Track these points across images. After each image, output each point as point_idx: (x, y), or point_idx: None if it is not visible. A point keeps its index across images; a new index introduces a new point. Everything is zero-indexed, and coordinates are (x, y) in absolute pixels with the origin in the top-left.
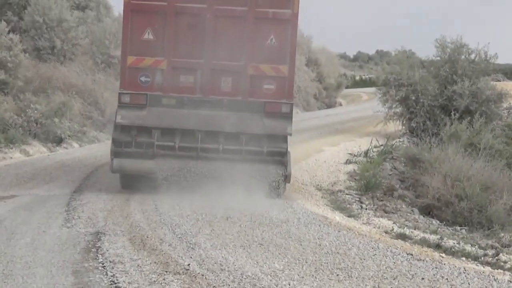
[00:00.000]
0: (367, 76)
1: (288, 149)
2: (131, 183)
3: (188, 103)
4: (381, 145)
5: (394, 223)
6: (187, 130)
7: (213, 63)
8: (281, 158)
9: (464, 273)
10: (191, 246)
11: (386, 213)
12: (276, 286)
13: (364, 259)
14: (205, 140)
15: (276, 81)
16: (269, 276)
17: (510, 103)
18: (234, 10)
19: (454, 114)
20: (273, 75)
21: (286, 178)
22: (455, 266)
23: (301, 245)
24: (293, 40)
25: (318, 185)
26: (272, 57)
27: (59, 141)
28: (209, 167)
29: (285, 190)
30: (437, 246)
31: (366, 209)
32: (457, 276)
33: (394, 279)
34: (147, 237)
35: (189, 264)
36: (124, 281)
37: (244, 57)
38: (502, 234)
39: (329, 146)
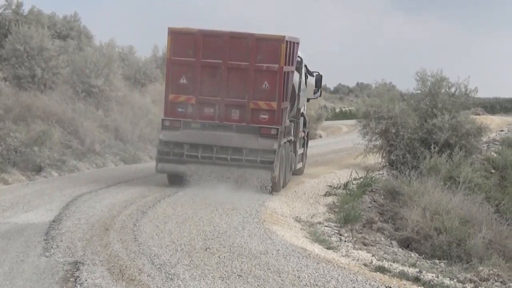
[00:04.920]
0: (347, 108)
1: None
2: (174, 179)
3: (208, 126)
4: (361, 177)
5: (373, 255)
6: (207, 145)
7: (226, 100)
8: (270, 165)
9: None
10: (170, 276)
11: (365, 245)
12: None
13: None
14: (218, 152)
15: (269, 113)
16: None
17: (489, 137)
18: (240, 65)
19: (434, 148)
20: (266, 108)
21: (273, 178)
22: None
23: (280, 277)
24: (280, 85)
25: (297, 217)
26: (266, 96)
27: (38, 169)
28: (221, 170)
29: (281, 189)
30: (416, 279)
31: (345, 241)
32: None
33: None
34: (126, 267)
35: None
36: None
37: (247, 96)
38: (481, 268)
39: (309, 178)
